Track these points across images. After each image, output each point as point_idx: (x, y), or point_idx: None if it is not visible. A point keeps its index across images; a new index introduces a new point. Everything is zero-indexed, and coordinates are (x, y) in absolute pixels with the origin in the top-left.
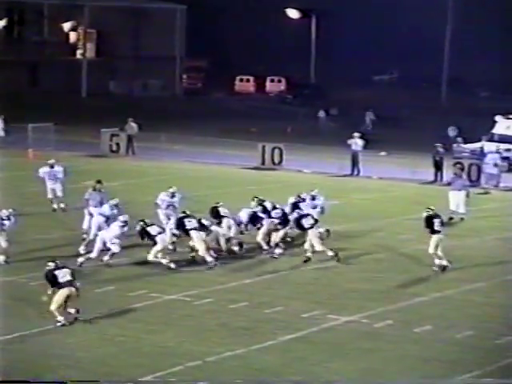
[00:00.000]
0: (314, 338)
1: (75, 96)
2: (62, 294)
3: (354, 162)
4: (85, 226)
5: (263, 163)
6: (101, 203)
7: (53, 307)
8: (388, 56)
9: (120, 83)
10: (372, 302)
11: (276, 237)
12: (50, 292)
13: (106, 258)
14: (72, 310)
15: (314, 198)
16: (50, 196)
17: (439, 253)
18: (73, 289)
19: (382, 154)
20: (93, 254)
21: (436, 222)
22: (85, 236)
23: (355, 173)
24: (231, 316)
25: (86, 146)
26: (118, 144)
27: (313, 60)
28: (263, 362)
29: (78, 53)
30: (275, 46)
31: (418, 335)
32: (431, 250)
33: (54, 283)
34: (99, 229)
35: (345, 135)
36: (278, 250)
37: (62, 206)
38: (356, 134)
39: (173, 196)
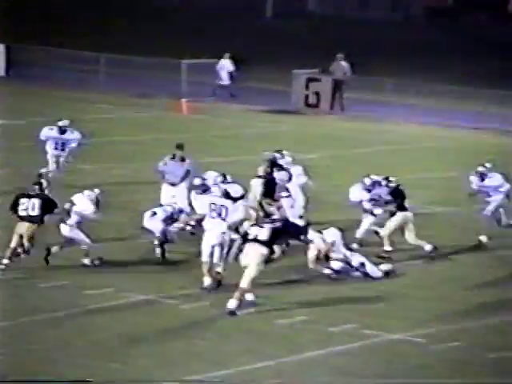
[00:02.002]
0: None
1: (255, 17)
2: (17, 229)
3: None
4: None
5: None
6: (182, 178)
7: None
8: None
9: None
10: None
11: None
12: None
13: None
14: (19, 250)
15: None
16: (50, 168)
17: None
18: (33, 225)
19: None
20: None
21: None
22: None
23: None
24: (487, 368)
25: (267, 95)
26: (317, 94)
27: None
28: None
29: None
30: None
31: None
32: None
33: (13, 209)
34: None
35: None
36: None
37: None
38: None
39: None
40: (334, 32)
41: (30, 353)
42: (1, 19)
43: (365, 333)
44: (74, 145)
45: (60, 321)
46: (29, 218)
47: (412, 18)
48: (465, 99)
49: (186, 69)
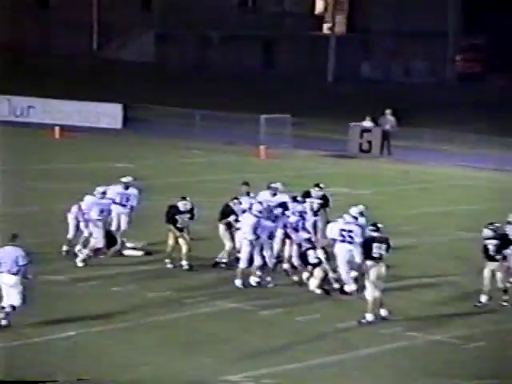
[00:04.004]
0: None
1: (319, 80)
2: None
3: None
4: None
5: None
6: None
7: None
8: None
9: (375, 65)
10: None
11: None
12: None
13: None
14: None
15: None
16: (113, 227)
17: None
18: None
19: None
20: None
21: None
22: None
23: None
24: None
25: (330, 143)
26: (369, 142)
27: None
28: None
29: (325, 27)
30: None
31: None
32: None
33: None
34: None
35: None
36: None
37: (117, 248)
38: None
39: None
40: (384, 92)
41: None
42: (120, 82)
43: (409, 335)
44: (134, 202)
45: None
46: None
47: (447, 81)
48: (489, 147)
49: (264, 122)
